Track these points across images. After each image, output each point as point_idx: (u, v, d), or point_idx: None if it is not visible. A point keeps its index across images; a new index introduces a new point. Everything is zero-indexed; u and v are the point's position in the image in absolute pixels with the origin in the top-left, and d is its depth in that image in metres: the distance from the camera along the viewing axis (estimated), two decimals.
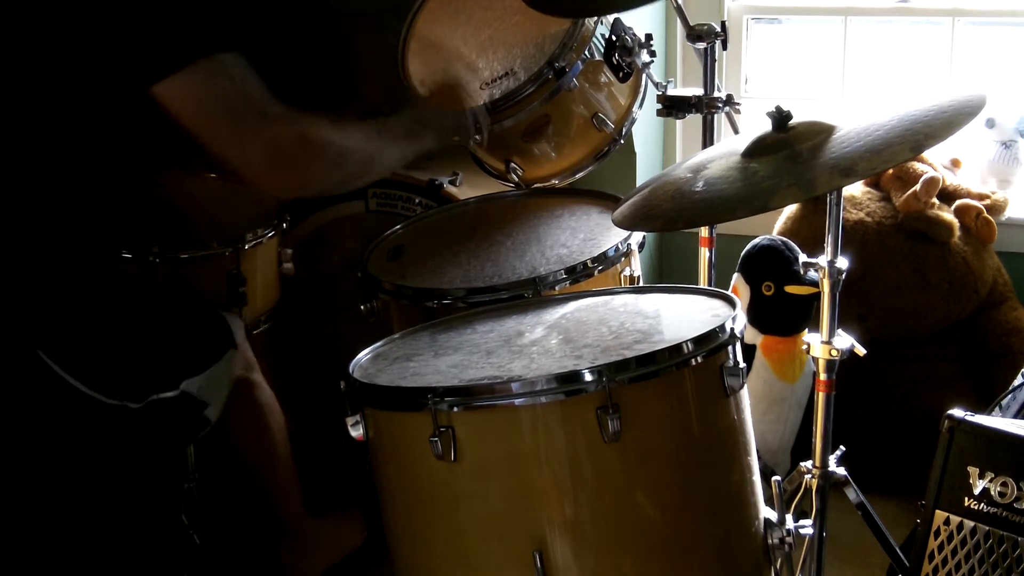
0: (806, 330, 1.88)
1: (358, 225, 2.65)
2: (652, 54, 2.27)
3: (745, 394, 1.61)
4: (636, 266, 2.10)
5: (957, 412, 1.89)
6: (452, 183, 2.62)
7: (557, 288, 1.98)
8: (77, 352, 1.81)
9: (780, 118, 1.65)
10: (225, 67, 1.75)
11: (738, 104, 2.23)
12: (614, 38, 2.24)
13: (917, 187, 2.69)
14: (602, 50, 2.26)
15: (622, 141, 2.37)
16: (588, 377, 1.45)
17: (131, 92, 1.74)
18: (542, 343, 1.66)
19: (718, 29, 2.15)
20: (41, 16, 1.74)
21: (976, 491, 1.85)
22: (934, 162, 2.80)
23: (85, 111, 1.79)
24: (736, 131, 2.22)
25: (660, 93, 2.24)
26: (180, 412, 1.93)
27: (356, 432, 1.61)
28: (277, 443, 2.28)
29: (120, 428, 1.87)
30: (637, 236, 2.10)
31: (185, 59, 1.72)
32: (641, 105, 2.38)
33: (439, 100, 2.25)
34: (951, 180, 2.81)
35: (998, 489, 1.83)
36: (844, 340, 1.82)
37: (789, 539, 1.61)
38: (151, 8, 1.72)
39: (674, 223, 1.76)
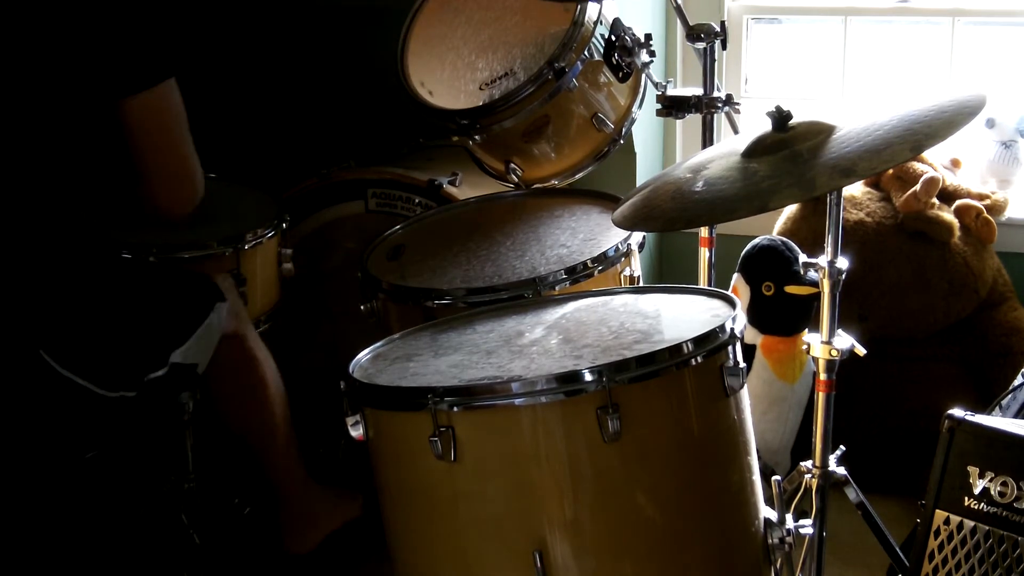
0: (806, 330, 1.88)
1: (358, 225, 2.65)
2: (652, 54, 2.26)
3: (745, 394, 1.61)
4: (636, 266, 2.10)
5: (957, 412, 1.89)
6: (452, 183, 2.62)
7: (557, 288, 1.98)
8: (75, 348, 1.81)
9: (780, 118, 1.65)
10: (177, 88, 1.85)
11: (738, 104, 2.23)
12: (613, 38, 2.24)
13: (917, 187, 2.68)
14: (602, 50, 2.26)
15: (622, 141, 2.38)
16: (588, 377, 1.45)
17: (104, 101, 1.79)
18: (542, 343, 1.66)
19: (718, 29, 2.15)
20: (34, 24, 1.77)
21: (976, 491, 1.85)
22: (934, 162, 2.80)
23: (78, 114, 1.81)
24: (736, 131, 2.22)
25: (660, 93, 2.24)
26: (171, 383, 1.93)
27: (356, 432, 1.61)
28: (273, 402, 2.25)
29: (120, 418, 1.87)
30: (637, 236, 2.11)
31: (162, 74, 1.81)
32: (641, 105, 2.38)
33: None
34: (951, 180, 2.80)
35: (998, 489, 1.83)
36: (844, 340, 1.82)
37: (789, 539, 1.61)
38: (134, 23, 1.79)
39: (674, 223, 1.76)
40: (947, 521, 1.88)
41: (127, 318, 1.92)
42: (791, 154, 1.61)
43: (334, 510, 2.40)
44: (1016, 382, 2.20)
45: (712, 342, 1.53)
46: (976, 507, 1.85)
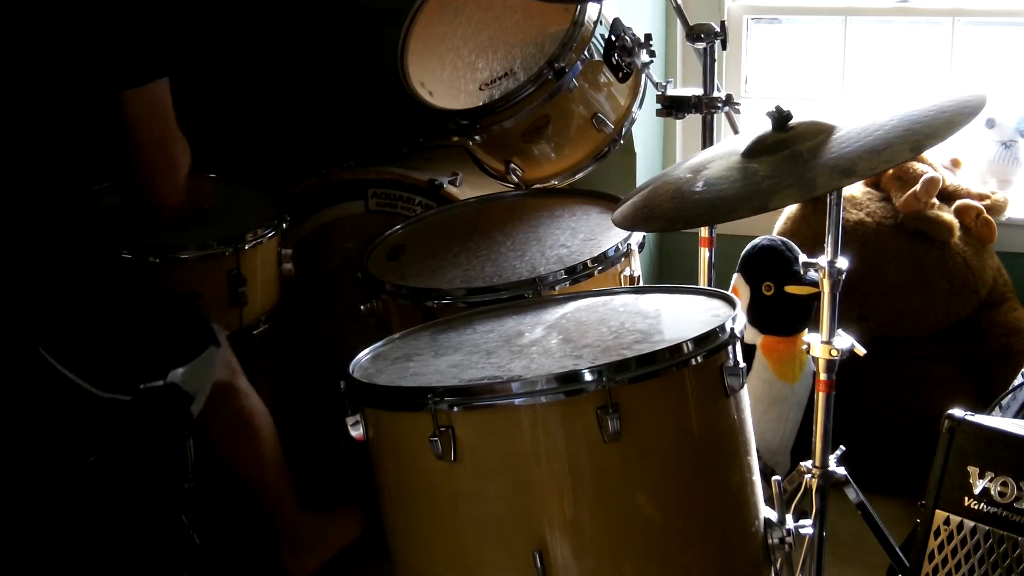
0: (806, 330, 1.88)
1: (358, 225, 2.65)
2: (652, 54, 2.26)
3: (745, 394, 1.61)
4: (636, 266, 2.10)
5: (957, 412, 1.89)
6: (452, 183, 2.62)
7: (557, 288, 1.98)
8: (73, 348, 1.82)
9: (780, 118, 1.65)
10: (168, 90, 1.87)
11: (738, 104, 2.23)
12: (613, 38, 2.24)
13: (917, 187, 2.68)
14: (602, 50, 2.26)
15: (622, 141, 2.38)
16: (588, 377, 1.45)
17: (103, 94, 1.81)
18: (542, 343, 1.66)
19: (718, 29, 2.15)
20: (36, 21, 1.78)
21: (976, 491, 1.85)
22: (934, 162, 2.80)
23: (79, 111, 1.82)
24: (736, 131, 2.22)
25: (660, 93, 2.24)
26: (168, 402, 1.94)
27: (356, 432, 1.61)
28: (265, 449, 2.28)
29: (113, 422, 1.87)
30: (637, 236, 2.11)
31: (161, 71, 1.84)
32: (641, 105, 2.38)
33: None
34: (951, 180, 2.80)
35: (998, 489, 1.83)
36: (844, 340, 1.82)
37: (789, 539, 1.61)
38: (134, 19, 1.82)
39: (674, 223, 1.76)
40: (947, 521, 1.88)
41: (129, 329, 1.93)
42: (791, 154, 1.61)
43: (330, 537, 2.43)
44: (1016, 382, 2.20)
45: (712, 342, 1.53)
46: (976, 507, 1.85)
